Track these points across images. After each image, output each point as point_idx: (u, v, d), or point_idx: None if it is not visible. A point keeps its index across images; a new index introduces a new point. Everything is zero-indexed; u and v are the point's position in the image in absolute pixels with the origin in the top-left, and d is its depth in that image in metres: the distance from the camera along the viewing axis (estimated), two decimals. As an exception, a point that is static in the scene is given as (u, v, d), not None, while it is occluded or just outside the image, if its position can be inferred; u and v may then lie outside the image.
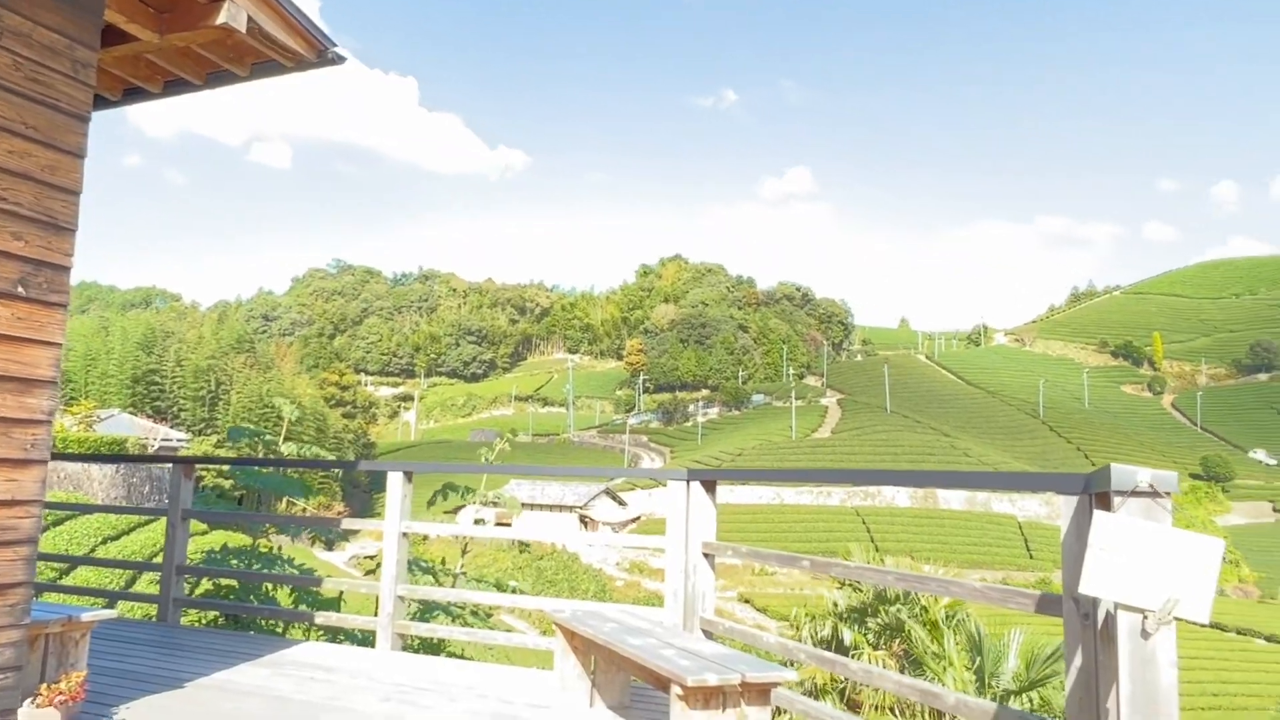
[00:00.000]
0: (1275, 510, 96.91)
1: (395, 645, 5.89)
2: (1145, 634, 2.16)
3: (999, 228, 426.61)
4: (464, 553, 7.47)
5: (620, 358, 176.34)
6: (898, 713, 10.42)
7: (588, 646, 4.52)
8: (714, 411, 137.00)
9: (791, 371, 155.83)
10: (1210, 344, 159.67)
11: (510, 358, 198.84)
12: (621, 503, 79.03)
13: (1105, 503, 2.37)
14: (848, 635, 14.86)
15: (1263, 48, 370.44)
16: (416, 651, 6.70)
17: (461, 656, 6.97)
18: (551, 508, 74.94)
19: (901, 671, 14.35)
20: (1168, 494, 2.21)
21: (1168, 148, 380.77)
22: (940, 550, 67.21)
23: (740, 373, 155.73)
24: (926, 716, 11.17)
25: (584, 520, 75.09)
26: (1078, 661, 2.86)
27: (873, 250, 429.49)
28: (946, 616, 13.94)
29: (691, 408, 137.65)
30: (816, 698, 14.23)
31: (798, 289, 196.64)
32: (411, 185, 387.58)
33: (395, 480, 6.01)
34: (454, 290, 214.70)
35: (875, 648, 14.98)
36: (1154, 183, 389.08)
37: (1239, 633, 52.70)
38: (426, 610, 6.98)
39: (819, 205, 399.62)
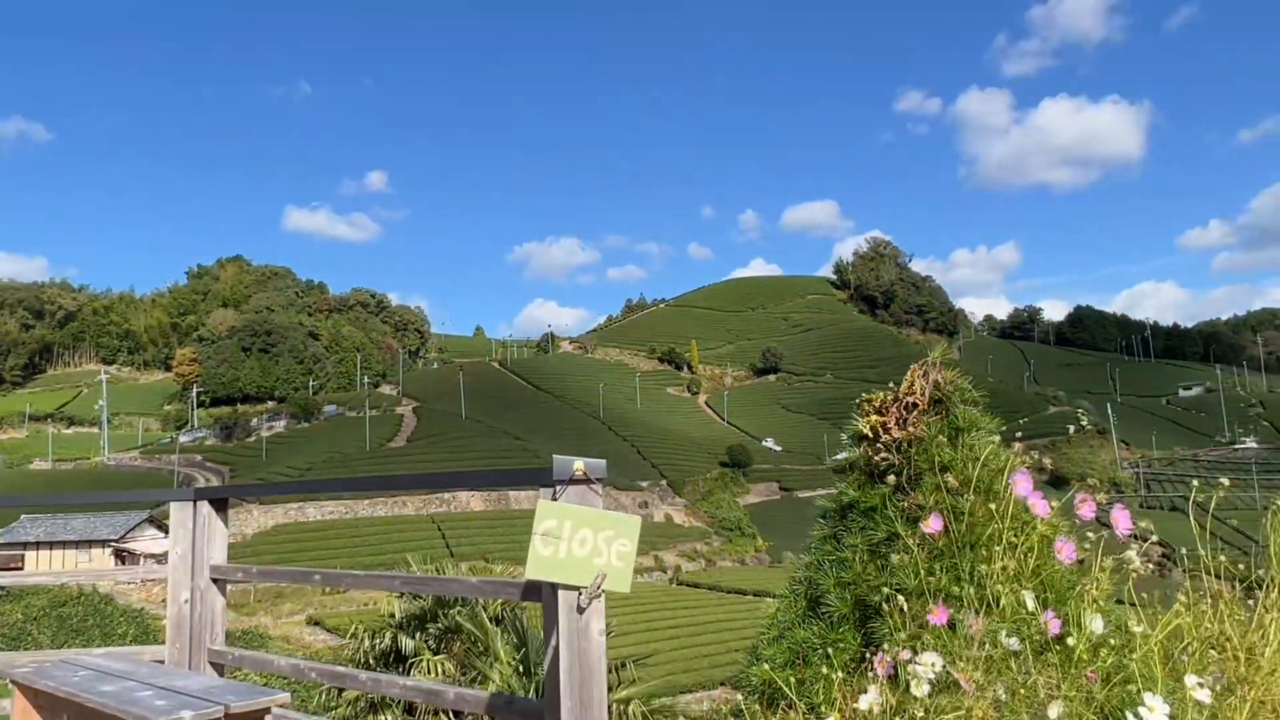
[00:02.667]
0: (781, 489, 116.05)
1: None
2: (580, 609, 2.40)
3: (569, 242, 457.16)
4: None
5: (169, 368, 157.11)
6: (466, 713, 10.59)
7: (54, 704, 3.88)
8: (281, 424, 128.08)
9: (367, 380, 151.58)
10: (734, 350, 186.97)
11: (24, 370, 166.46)
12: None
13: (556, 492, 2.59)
14: (409, 643, 14.77)
15: (785, 99, 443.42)
16: None
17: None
18: (79, 544, 64.31)
19: (463, 672, 14.61)
20: (599, 480, 2.47)
21: (708, 178, 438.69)
22: (512, 549, 69.79)
23: (311, 383, 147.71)
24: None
25: (121, 555, 65.50)
26: (554, 640, 3.08)
27: (450, 259, 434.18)
28: (512, 616, 14.45)
29: (255, 421, 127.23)
30: (383, 707, 13.92)
31: (373, 295, 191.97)
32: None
33: None
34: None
35: (436, 653, 15.06)
36: (697, 209, 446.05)
37: (755, 594, 62.11)
38: None
39: (397, 211, 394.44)
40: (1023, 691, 2.15)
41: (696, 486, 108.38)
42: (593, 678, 2.38)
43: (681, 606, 62.64)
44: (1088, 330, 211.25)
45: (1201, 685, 2.04)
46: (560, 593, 2.43)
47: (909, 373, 4.31)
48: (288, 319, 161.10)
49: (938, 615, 2.22)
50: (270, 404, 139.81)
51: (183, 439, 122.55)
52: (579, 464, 2.44)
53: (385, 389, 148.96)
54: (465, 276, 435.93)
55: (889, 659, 2.29)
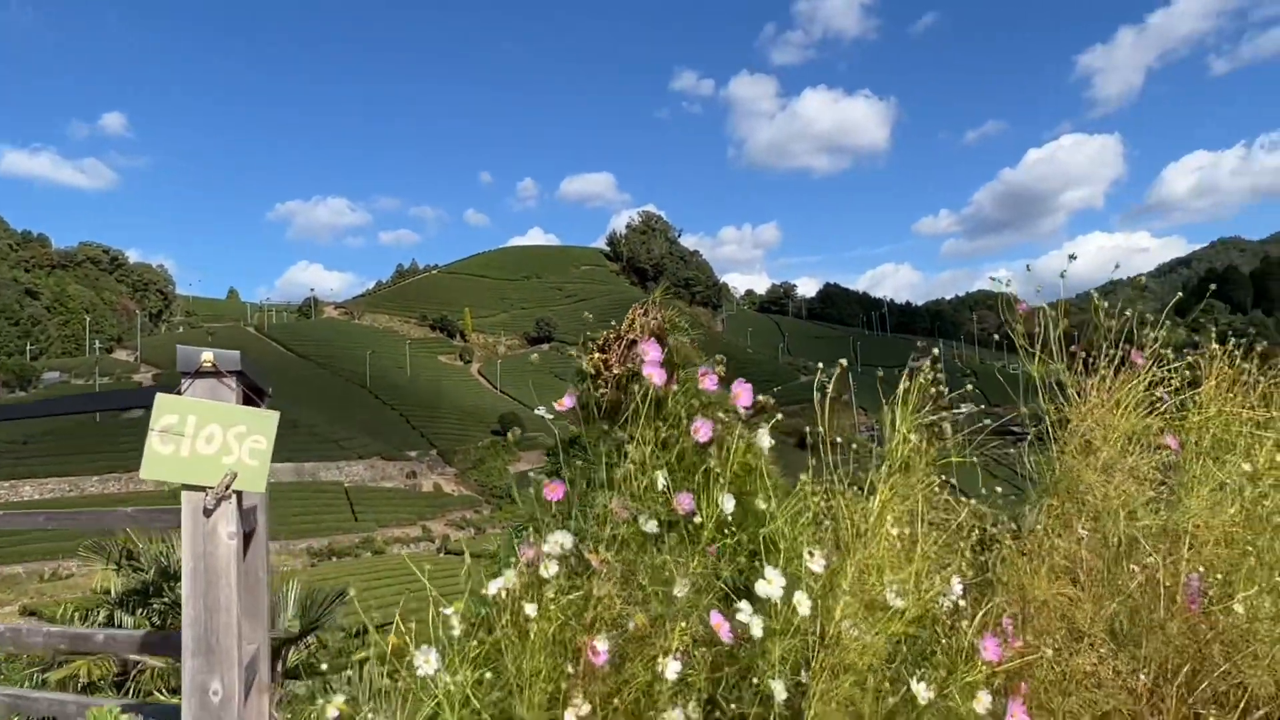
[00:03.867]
0: (545, 456, 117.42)
1: None
2: (207, 511, 2.21)
3: (336, 202, 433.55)
4: None
5: None
6: (167, 681, 9.84)
7: None
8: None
9: (98, 345, 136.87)
10: (508, 319, 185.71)
11: None
12: None
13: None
14: (128, 620, 13.52)
15: (564, 67, 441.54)
16: None
17: None
18: None
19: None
20: (232, 372, 2.28)
21: (486, 144, 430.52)
22: (271, 524, 65.94)
23: (29, 346, 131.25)
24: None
25: None
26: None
27: (200, 214, 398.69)
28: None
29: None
30: (92, 690, 12.68)
31: (106, 251, 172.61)
32: None
33: None
34: None
35: (162, 628, 13.89)
36: (475, 174, 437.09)
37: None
38: None
39: (138, 159, 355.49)
40: (652, 571, 2.23)
41: (467, 455, 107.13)
42: (219, 582, 2.21)
43: (448, 575, 61.95)
44: (836, 306, 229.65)
45: (812, 554, 2.23)
46: (185, 495, 2.23)
47: (630, 311, 4.40)
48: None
49: (553, 492, 2.30)
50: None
51: None
52: (208, 355, 2.23)
53: (121, 355, 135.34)
54: (218, 234, 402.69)
55: (532, 548, 2.30)
